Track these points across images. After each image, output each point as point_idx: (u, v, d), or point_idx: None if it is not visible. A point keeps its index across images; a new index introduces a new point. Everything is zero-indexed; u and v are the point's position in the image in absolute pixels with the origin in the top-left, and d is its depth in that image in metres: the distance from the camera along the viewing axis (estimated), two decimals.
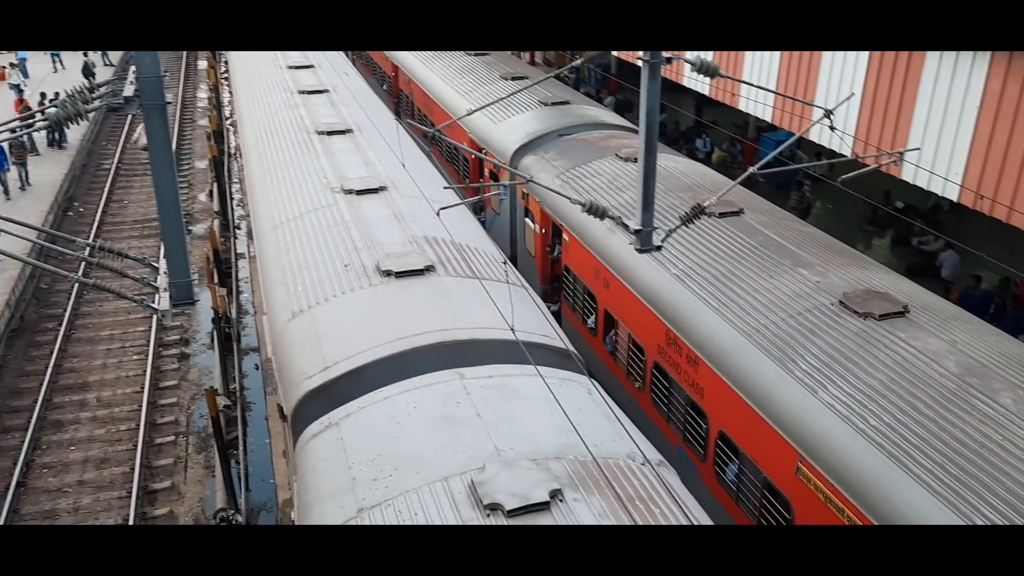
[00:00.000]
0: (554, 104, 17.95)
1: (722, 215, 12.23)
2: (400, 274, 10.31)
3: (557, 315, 14.42)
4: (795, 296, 10.06)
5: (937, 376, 8.37)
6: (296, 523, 7.96)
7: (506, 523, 6.46)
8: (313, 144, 15.75)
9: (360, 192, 13.05)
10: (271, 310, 10.99)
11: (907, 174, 12.33)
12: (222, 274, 19.40)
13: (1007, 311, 15.07)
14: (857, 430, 8.06)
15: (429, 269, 10.46)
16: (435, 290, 10.11)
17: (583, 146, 15.48)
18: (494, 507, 6.59)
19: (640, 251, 8.67)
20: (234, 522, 12.47)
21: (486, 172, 17.97)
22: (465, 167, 19.36)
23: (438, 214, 8.32)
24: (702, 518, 7.06)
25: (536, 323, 9.77)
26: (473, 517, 6.56)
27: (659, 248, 8.83)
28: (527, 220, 15.78)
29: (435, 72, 22.88)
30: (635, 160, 13.83)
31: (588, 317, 13.53)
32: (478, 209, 18.68)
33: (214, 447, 14.02)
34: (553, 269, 15.34)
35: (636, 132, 16.11)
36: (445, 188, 12.49)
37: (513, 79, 20.32)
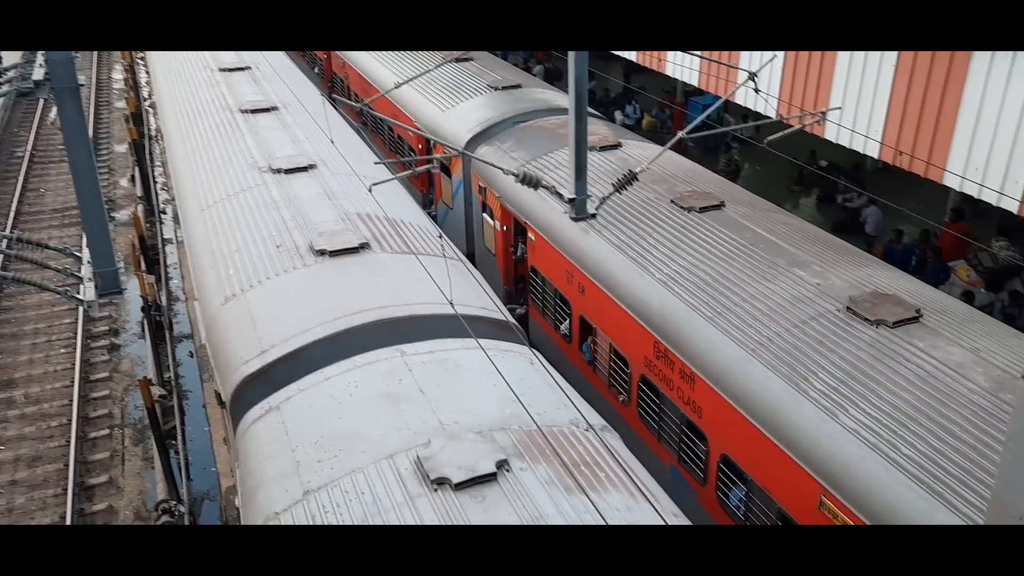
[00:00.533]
0: (505, 88, 16.81)
1: (703, 210, 11.30)
2: (334, 253, 10.17)
3: (523, 318, 13.73)
4: (797, 302, 9.14)
5: (968, 393, 7.53)
6: (241, 509, 7.86)
7: (454, 497, 6.49)
8: (237, 123, 15.35)
9: (289, 171, 12.79)
10: (203, 295, 10.75)
11: (830, 133, 12.63)
12: (149, 261, 18.85)
13: (928, 263, 15.63)
14: (889, 460, 7.17)
15: (364, 246, 10.34)
16: (371, 267, 10.00)
17: (542, 135, 14.43)
18: (441, 481, 6.61)
19: (575, 219, 8.73)
20: (176, 513, 12.25)
21: (435, 162, 16.96)
22: (411, 154, 18.16)
23: (370, 190, 8.22)
24: (646, 479, 7.20)
25: (475, 296, 9.77)
26: (420, 492, 6.57)
27: (594, 216, 8.90)
28: (485, 216, 14.62)
29: (372, 55, 21.65)
30: (600, 149, 13.31)
31: (560, 323, 12.46)
32: (427, 203, 17.68)
33: (151, 438, 13.71)
34: (517, 269, 14.39)
35: (596, 117, 15.58)
36: (376, 164, 12.31)
37: (457, 61, 19.14)
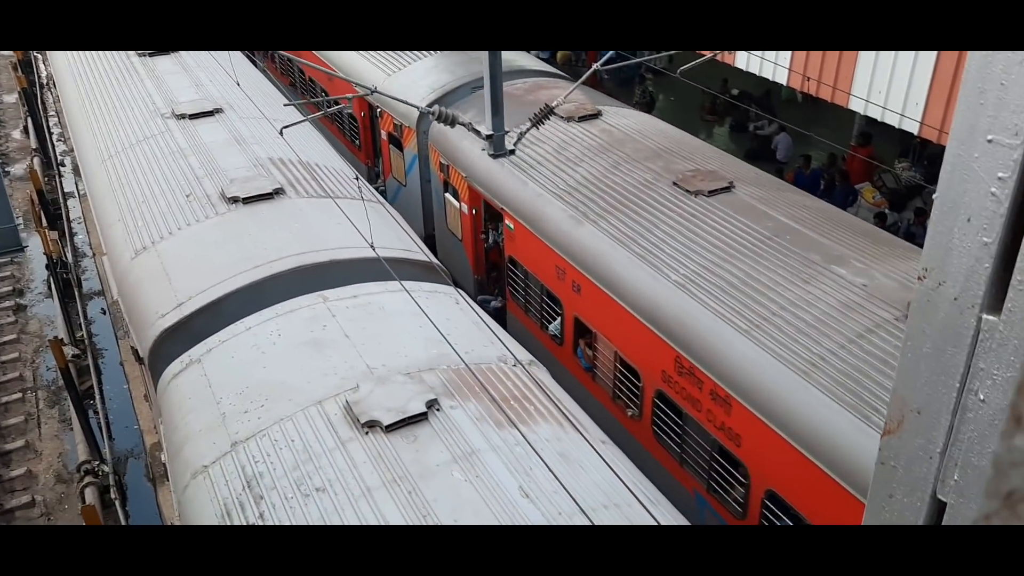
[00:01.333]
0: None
1: (711, 193, 9.83)
2: (248, 199, 9.89)
3: (499, 312, 12.15)
4: (847, 309, 7.84)
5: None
6: (167, 465, 7.74)
7: (385, 439, 6.51)
8: (135, 67, 14.62)
9: (194, 116, 12.30)
10: (111, 250, 10.35)
11: (740, 61, 12.79)
12: (51, 216, 18.00)
13: (836, 186, 16.13)
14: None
15: (278, 192, 10.09)
16: (287, 213, 9.78)
17: (508, 103, 12.51)
18: (371, 424, 6.62)
19: (493, 156, 8.67)
20: (100, 473, 11.98)
21: (382, 135, 15.17)
22: (353, 128, 16.53)
23: (281, 133, 7.98)
24: (574, 409, 7.35)
25: (396, 238, 9.67)
26: (351, 436, 6.58)
27: (512, 152, 8.85)
28: (448, 196, 13.09)
29: None
30: (581, 119, 12.01)
31: (549, 322, 11.00)
32: (373, 177, 15.99)
33: (67, 399, 13.29)
34: (488, 256, 12.95)
35: (565, 78, 14.30)
36: (286, 105, 11.94)
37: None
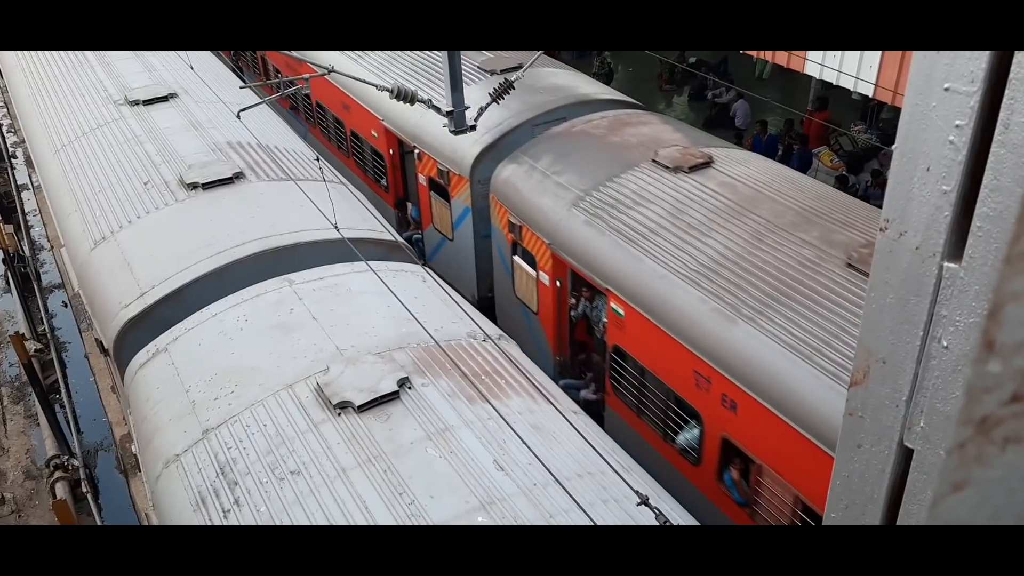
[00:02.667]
0: (506, 71, 12.05)
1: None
2: (207, 185, 9.77)
3: (593, 406, 10.00)
4: None
5: None
6: (139, 456, 7.69)
7: (358, 419, 6.53)
8: (84, 54, 14.30)
9: (147, 102, 12.08)
10: (69, 241, 10.18)
11: None
12: (4, 210, 17.62)
13: (794, 150, 16.30)
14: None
15: (239, 176, 9.97)
16: (248, 197, 9.68)
17: (588, 145, 10.71)
18: (344, 405, 6.63)
19: (455, 133, 8.63)
20: (70, 468, 11.85)
21: (420, 179, 12.71)
22: (378, 166, 14.17)
23: (238, 116, 7.88)
24: (545, 382, 7.42)
25: (360, 218, 9.62)
26: (324, 418, 6.58)
27: (474, 127, 8.82)
28: (519, 260, 10.93)
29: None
30: (691, 169, 9.62)
31: (676, 433, 8.78)
32: (404, 225, 13.87)
33: (32, 395, 13.10)
34: (574, 332, 10.85)
35: (642, 107, 12.27)
36: (242, 88, 11.76)
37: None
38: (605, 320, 9.63)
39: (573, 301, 10.33)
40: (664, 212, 9.13)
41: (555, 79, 12.71)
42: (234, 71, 16.62)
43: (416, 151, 12.42)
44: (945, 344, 1.55)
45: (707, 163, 9.64)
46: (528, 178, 10.56)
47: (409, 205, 14.03)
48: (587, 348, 10.81)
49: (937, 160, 1.49)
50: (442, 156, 11.79)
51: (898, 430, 1.72)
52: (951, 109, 1.44)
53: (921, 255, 1.55)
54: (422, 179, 12.69)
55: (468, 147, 11.31)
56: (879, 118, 17.51)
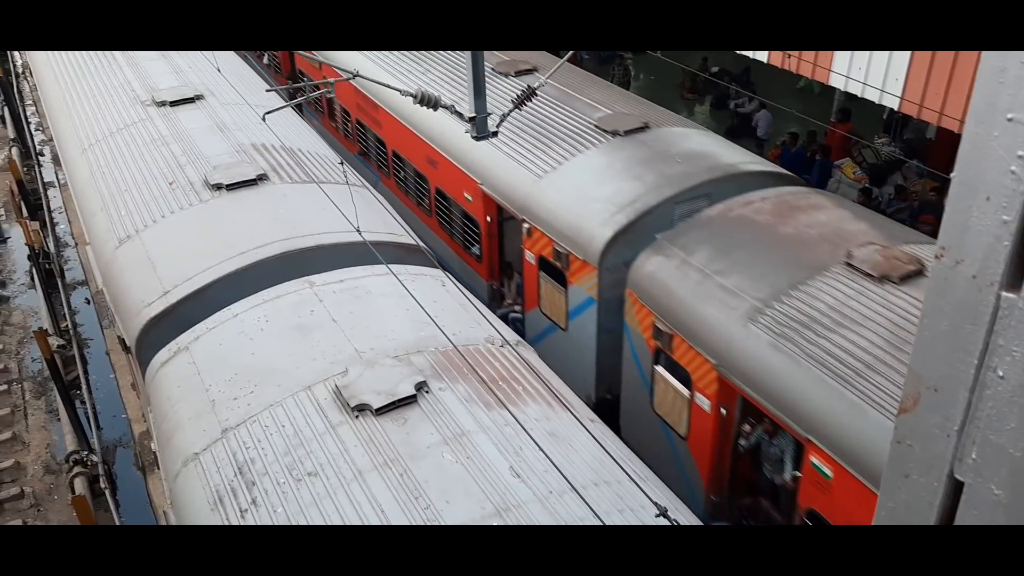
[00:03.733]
0: (631, 132, 10.68)
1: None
2: (231, 186, 9.86)
3: None
4: None
5: None
6: (158, 453, 7.76)
7: (376, 422, 6.56)
8: (113, 55, 14.48)
9: (174, 103, 12.21)
10: (94, 239, 10.30)
11: None
12: (31, 207, 17.84)
13: (816, 161, 16.21)
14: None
15: (262, 178, 10.06)
16: (272, 199, 9.76)
17: (754, 236, 8.85)
18: (361, 407, 6.66)
19: (476, 139, 8.65)
20: (89, 463, 11.97)
21: (528, 255, 10.90)
22: (470, 233, 12.27)
23: (264, 119, 7.95)
24: (563, 390, 7.42)
25: (381, 222, 9.67)
26: (341, 420, 6.62)
27: (495, 134, 8.84)
28: (662, 372, 9.09)
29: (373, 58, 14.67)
30: (900, 280, 7.74)
31: None
32: (498, 299, 12.29)
33: (54, 390, 13.24)
34: (737, 469, 8.88)
35: (806, 185, 10.50)
36: (268, 91, 11.85)
37: (518, 74, 12.79)
38: (795, 473, 7.91)
39: (746, 431, 8.45)
40: (882, 340, 7.16)
41: (688, 143, 10.69)
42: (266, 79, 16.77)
43: (526, 225, 10.56)
44: (1001, 374, 1.52)
45: (919, 271, 7.70)
46: (681, 276, 8.70)
47: (508, 281, 12.14)
48: (754, 490, 8.83)
49: (997, 190, 1.47)
50: (561, 235, 9.98)
51: (948, 461, 1.69)
52: (1014, 139, 1.43)
53: (978, 284, 1.53)
54: (530, 256, 10.81)
55: (597, 228, 9.53)
56: (903, 131, 17.40)
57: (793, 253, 8.45)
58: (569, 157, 10.58)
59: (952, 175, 1.53)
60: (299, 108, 17.26)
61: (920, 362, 1.68)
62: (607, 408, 10.02)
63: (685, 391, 8.72)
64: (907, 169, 15.82)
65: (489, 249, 11.90)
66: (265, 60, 20.33)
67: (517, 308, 11.79)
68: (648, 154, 10.32)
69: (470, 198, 10.75)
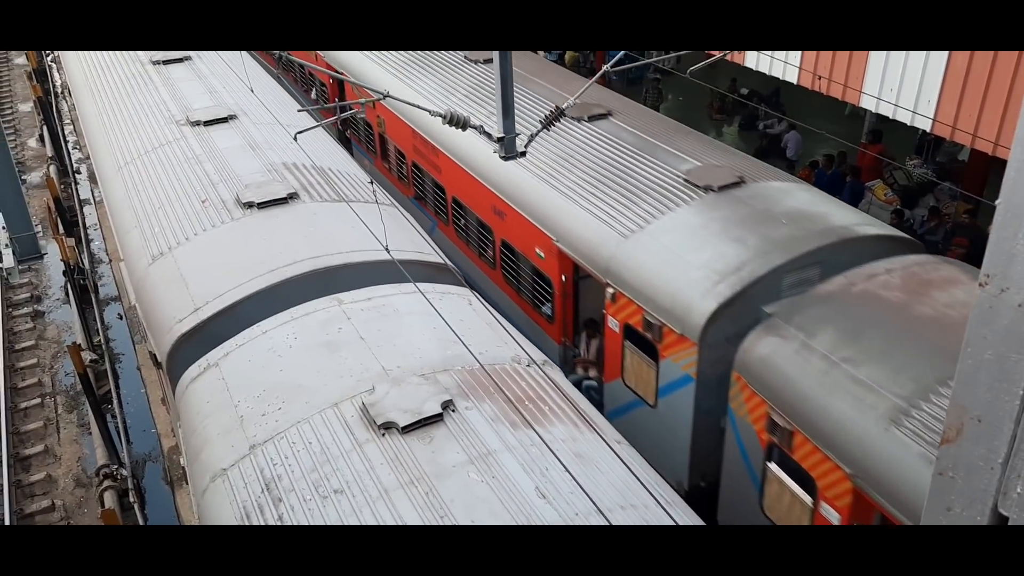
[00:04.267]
0: (727, 188, 9.72)
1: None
2: (263, 204, 9.99)
3: None
4: None
5: None
6: (186, 468, 7.83)
7: (402, 440, 6.57)
8: (149, 75, 14.76)
9: (208, 123, 12.41)
10: (128, 256, 10.46)
11: (750, 61, 12.79)
12: (67, 223, 18.17)
13: (846, 181, 16.08)
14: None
15: (293, 196, 10.17)
16: (302, 217, 9.86)
17: (885, 316, 7.83)
18: (388, 426, 6.68)
19: (504, 159, 8.70)
20: (119, 477, 12.10)
21: (611, 322, 9.85)
22: (540, 291, 11.27)
23: (295, 139, 8.06)
24: (589, 410, 7.39)
25: (409, 240, 9.74)
26: (368, 438, 6.64)
27: (523, 154, 8.89)
28: (775, 469, 8.01)
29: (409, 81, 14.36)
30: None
31: None
32: (570, 362, 11.32)
33: (86, 404, 13.43)
34: None
35: (930, 252, 9.34)
36: (300, 111, 12.02)
37: (591, 118, 12.00)
38: None
39: None
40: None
41: (791, 200, 9.63)
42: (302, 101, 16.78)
43: (610, 290, 9.56)
44: None
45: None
46: (803, 362, 7.62)
47: (582, 344, 11.09)
48: None
49: None
50: (654, 304, 8.94)
51: (992, 495, 1.65)
52: None
53: None
54: (613, 323, 9.75)
55: (697, 299, 8.52)
56: (936, 153, 17.23)
57: (935, 339, 7.30)
58: (658, 215, 9.58)
59: (997, 202, 1.50)
60: (347, 145, 16.82)
61: (963, 392, 1.63)
62: (701, 496, 9.05)
63: (807, 498, 7.58)
64: (939, 191, 15.66)
65: (563, 310, 10.84)
66: (313, 95, 19.25)
67: (593, 376, 10.81)
68: (748, 213, 9.28)
69: (543, 255, 10.00)
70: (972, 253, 10.82)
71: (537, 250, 9.30)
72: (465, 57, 14.75)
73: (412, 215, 11.44)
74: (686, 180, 10.00)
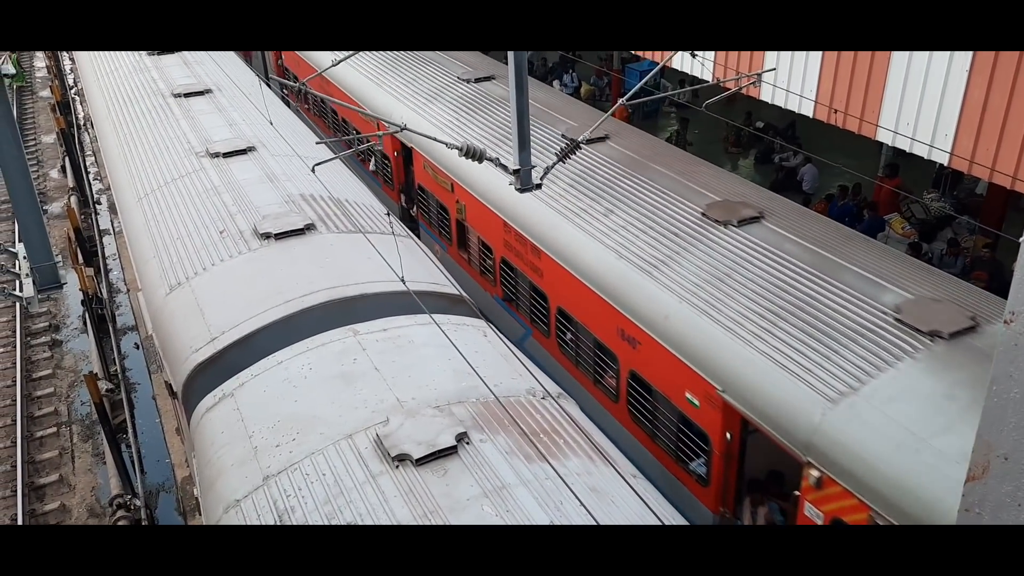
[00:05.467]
0: (958, 336, 7.59)
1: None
2: (280, 235, 10.05)
3: None
4: None
5: None
6: (200, 499, 7.80)
7: (416, 472, 6.53)
8: (170, 108, 14.98)
9: (227, 155, 12.55)
10: (146, 286, 10.54)
11: (766, 94, 12.82)
12: (87, 253, 18.37)
13: (864, 216, 16.03)
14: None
15: (310, 227, 10.23)
16: (318, 248, 9.91)
17: None
18: (402, 458, 6.64)
19: (520, 191, 8.73)
20: (132, 507, 12.07)
21: (810, 511, 7.60)
22: (687, 441, 9.16)
23: (313, 170, 8.13)
24: (604, 443, 7.33)
25: (425, 271, 9.76)
26: (382, 470, 6.60)
27: (539, 186, 8.92)
28: None
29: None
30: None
31: None
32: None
33: (101, 433, 13.46)
34: None
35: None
36: (318, 143, 12.12)
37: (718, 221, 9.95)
38: None
39: None
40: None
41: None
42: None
43: (814, 473, 7.40)
44: None
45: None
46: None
47: (750, 508, 9.00)
48: None
49: None
50: (895, 509, 6.82)
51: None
52: None
53: None
54: (813, 512, 7.61)
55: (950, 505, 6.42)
56: (955, 188, 17.17)
57: None
58: (875, 371, 7.47)
59: (1022, 239, 1.48)
60: (415, 227, 15.08)
61: (989, 429, 1.61)
62: None
63: None
64: (957, 225, 15.58)
65: (724, 473, 8.72)
66: (372, 166, 17.52)
67: None
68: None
69: (696, 402, 8.22)
70: (992, 287, 10.75)
71: (688, 395, 7.78)
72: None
73: (498, 316, 10.56)
74: (900, 321, 7.85)
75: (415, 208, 15.54)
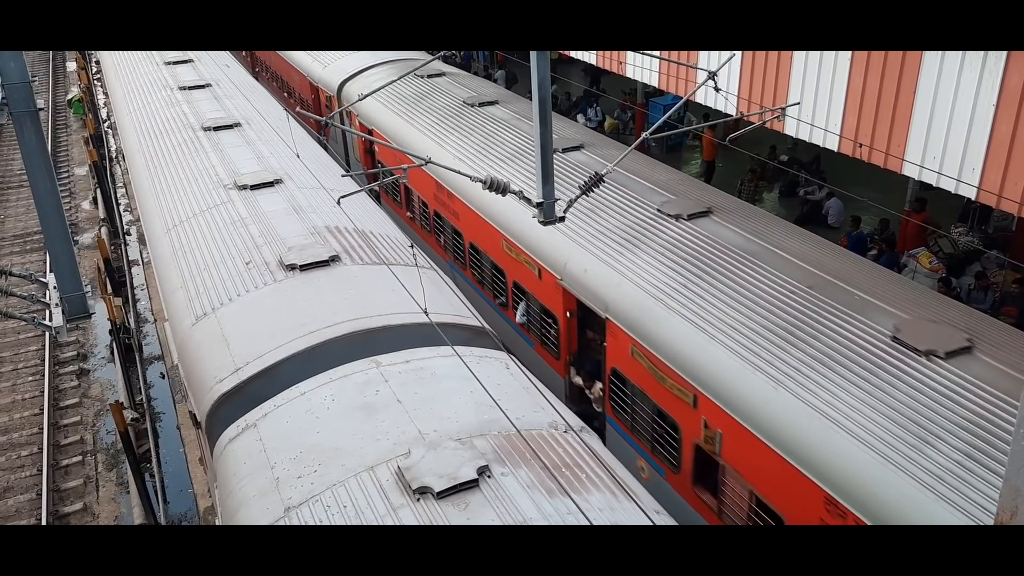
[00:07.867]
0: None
1: None
2: (305, 267, 10.14)
3: None
4: None
5: None
6: None
7: (437, 505, 6.49)
8: (200, 141, 15.24)
9: (255, 187, 12.72)
10: (173, 316, 10.65)
11: (790, 128, 12.81)
12: (115, 283, 18.62)
13: (882, 252, 15.87)
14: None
15: (334, 259, 10.32)
16: (342, 280, 9.98)
17: None
18: (423, 491, 6.61)
19: (544, 223, 8.74)
20: None
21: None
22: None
23: (338, 203, 8.22)
24: (627, 478, 7.26)
25: (448, 304, 9.78)
26: (403, 503, 6.57)
27: (562, 219, 8.93)
28: None
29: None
30: None
31: None
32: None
33: (125, 463, 13.54)
34: None
35: None
36: (343, 176, 12.25)
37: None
38: None
39: None
40: None
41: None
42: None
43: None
44: None
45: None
46: None
47: None
48: None
49: None
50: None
51: None
52: None
53: None
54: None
55: None
56: (985, 222, 16.99)
57: None
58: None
59: None
60: (596, 424, 10.57)
61: (1018, 474, 1.59)
62: None
63: None
64: (986, 260, 15.39)
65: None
66: (519, 318, 12.46)
67: None
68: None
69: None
70: (1022, 323, 10.58)
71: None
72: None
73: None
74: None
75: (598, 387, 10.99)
